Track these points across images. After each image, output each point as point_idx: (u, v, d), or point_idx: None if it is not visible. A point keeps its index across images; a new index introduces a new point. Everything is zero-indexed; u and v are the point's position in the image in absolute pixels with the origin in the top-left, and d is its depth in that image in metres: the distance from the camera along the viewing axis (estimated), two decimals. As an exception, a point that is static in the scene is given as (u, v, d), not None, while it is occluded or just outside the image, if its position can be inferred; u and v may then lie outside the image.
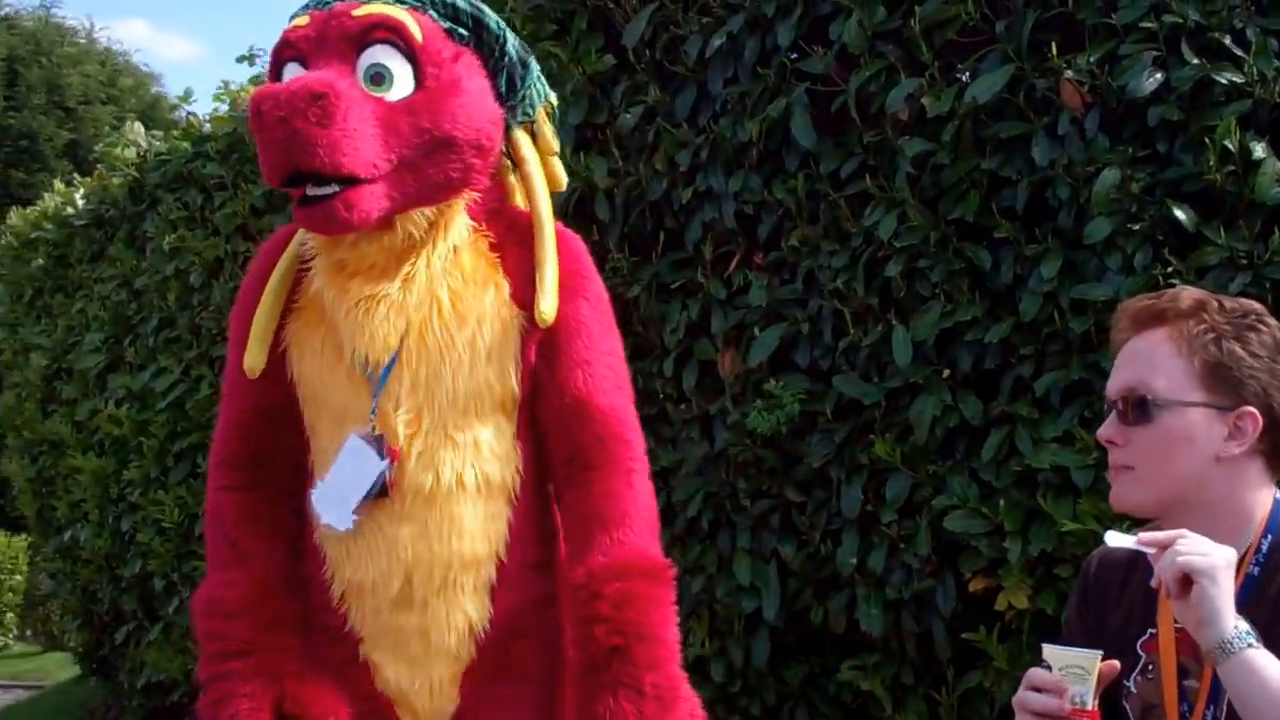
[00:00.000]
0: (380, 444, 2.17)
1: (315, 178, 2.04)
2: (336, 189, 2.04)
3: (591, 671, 2.12)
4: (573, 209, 4.15)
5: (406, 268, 2.17)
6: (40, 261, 8.00)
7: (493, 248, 2.28)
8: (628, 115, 4.03)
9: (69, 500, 7.67)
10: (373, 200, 2.08)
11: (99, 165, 7.54)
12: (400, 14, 2.14)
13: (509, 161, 2.38)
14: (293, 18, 2.21)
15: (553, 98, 2.43)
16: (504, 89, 2.27)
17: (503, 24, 2.29)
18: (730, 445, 3.81)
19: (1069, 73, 3.18)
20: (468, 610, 2.21)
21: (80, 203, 7.65)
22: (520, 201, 2.38)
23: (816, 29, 3.62)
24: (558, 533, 2.32)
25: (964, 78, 3.40)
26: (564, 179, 2.49)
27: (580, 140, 4.20)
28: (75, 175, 8.35)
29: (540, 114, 2.39)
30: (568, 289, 2.24)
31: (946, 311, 3.35)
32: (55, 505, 7.95)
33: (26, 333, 8.17)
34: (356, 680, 2.24)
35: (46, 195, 8.24)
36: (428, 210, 2.18)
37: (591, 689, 2.11)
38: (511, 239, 2.28)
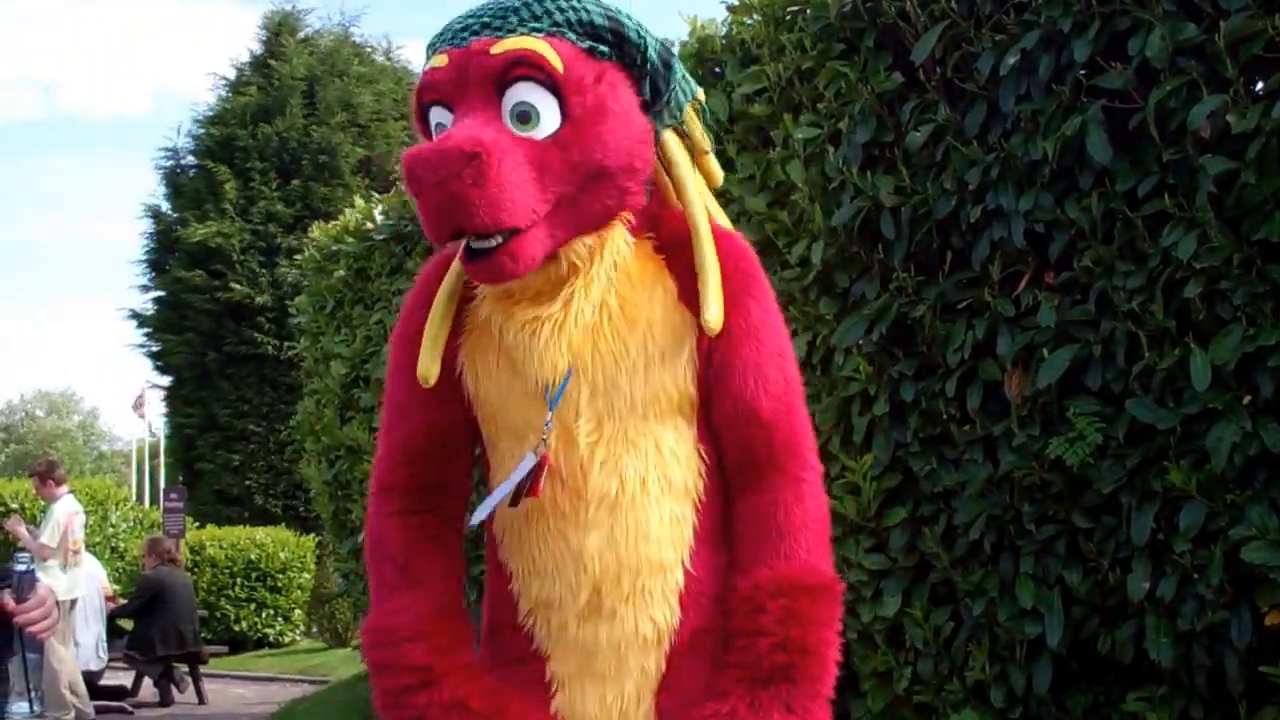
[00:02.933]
0: (537, 452, 2.18)
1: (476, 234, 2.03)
2: (500, 240, 2.03)
3: (754, 684, 2.10)
4: (858, 227, 4.15)
5: (567, 289, 2.16)
6: (341, 274, 8.36)
7: (657, 249, 2.26)
8: (916, 133, 4.01)
9: (363, 504, 7.97)
10: (535, 245, 2.07)
11: (398, 182, 7.84)
12: (539, 46, 2.08)
13: (662, 165, 2.33)
14: (429, 55, 2.19)
15: (699, 94, 2.37)
16: (649, 95, 2.22)
17: (642, 29, 2.21)
18: (1016, 468, 3.76)
19: (1386, 88, 3.04)
20: (656, 618, 2.19)
21: (380, 218, 7.98)
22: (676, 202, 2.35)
23: (1114, 44, 3.54)
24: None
25: (1265, 93, 3.29)
26: (719, 175, 2.44)
27: (867, 159, 4.20)
28: (374, 192, 8.68)
29: (689, 113, 2.34)
30: (734, 289, 2.20)
31: (1248, 335, 3.24)
32: (350, 508, 8.30)
33: (327, 342, 8.55)
34: (537, 702, 2.22)
35: (347, 210, 8.60)
36: (588, 239, 2.16)
37: (752, 699, 2.09)
38: (675, 242, 2.25)
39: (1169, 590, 3.41)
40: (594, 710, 2.20)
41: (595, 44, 2.15)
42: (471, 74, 2.09)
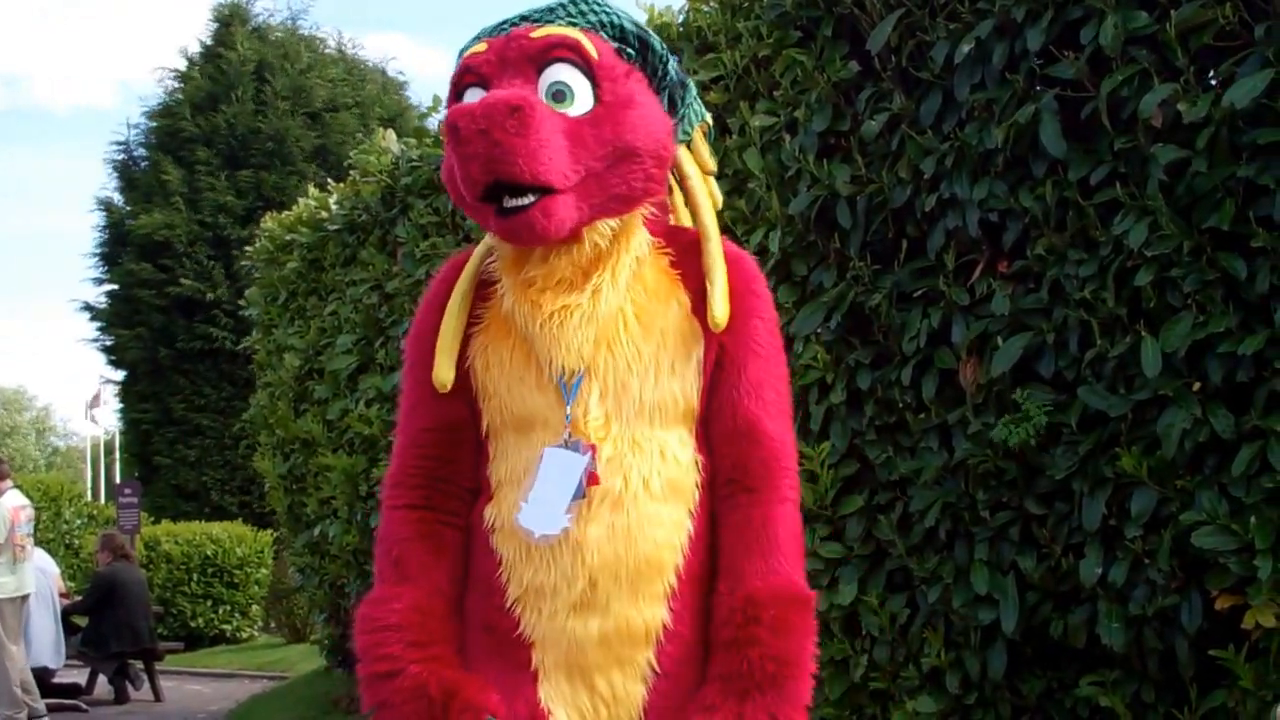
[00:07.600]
0: (578, 447, 2.21)
1: (512, 189, 2.09)
2: (533, 199, 2.09)
3: (742, 695, 2.14)
4: (815, 216, 4.17)
5: (594, 279, 2.23)
6: (294, 265, 8.30)
7: (673, 264, 2.33)
8: (872, 122, 4.03)
9: (319, 497, 7.95)
10: (566, 209, 2.13)
11: (351, 171, 7.78)
12: (576, 34, 2.21)
13: (672, 180, 2.44)
14: (466, 47, 2.28)
15: (708, 118, 2.50)
16: (666, 108, 2.33)
17: (664, 45, 2.35)
18: (970, 456, 3.78)
19: (1334, 77, 3.07)
20: (646, 616, 2.22)
21: (334, 208, 7.91)
22: (684, 220, 2.47)
23: (1067, 34, 3.57)
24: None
25: (1215, 82, 3.32)
26: (719, 199, 2.52)
27: (823, 147, 4.22)
28: (328, 180, 8.63)
29: (697, 134, 2.47)
30: (744, 308, 2.29)
31: (1199, 322, 3.27)
32: (305, 502, 8.25)
33: (281, 334, 8.49)
34: (522, 688, 2.22)
35: (301, 200, 8.54)
36: (612, 222, 2.23)
37: (740, 711, 2.13)
38: (688, 257, 2.33)
39: (1120, 575, 3.44)
40: (583, 701, 2.22)
41: (623, 46, 2.28)
42: (511, 54, 2.20)
